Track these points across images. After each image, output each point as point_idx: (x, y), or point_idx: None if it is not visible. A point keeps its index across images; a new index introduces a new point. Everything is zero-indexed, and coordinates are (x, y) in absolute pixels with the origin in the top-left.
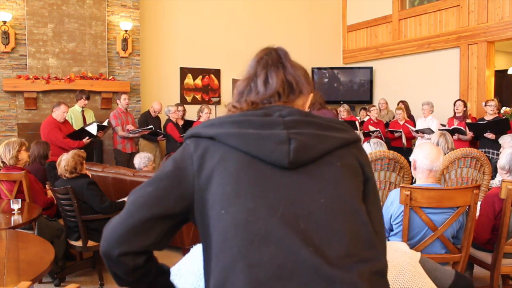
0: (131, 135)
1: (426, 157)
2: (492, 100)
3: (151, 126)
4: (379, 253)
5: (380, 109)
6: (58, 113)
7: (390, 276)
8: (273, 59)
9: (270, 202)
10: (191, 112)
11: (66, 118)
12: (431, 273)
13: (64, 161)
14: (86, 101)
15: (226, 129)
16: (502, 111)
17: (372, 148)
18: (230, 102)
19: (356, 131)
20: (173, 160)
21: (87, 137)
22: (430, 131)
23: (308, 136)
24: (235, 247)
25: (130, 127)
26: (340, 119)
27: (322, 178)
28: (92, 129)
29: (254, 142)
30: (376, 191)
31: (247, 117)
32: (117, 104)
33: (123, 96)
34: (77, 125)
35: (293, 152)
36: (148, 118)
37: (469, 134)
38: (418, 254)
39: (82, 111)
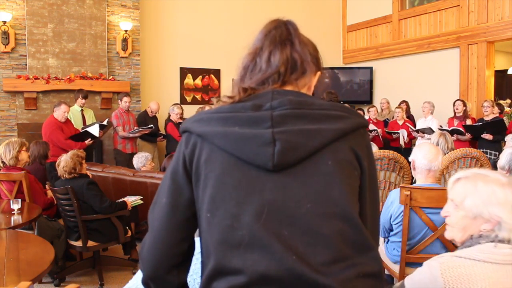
0: (131, 135)
1: (424, 157)
2: (486, 101)
3: (152, 125)
4: (374, 255)
5: (381, 109)
6: (59, 113)
7: None
8: (281, 35)
9: (254, 208)
10: (191, 112)
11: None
12: None
13: (63, 162)
14: (83, 101)
15: (212, 127)
16: (502, 111)
17: None
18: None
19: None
20: (172, 162)
21: (89, 139)
22: (430, 131)
23: (296, 134)
24: (220, 252)
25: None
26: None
27: (310, 181)
28: (94, 130)
29: (238, 143)
30: (374, 184)
31: (235, 112)
32: (119, 104)
33: (125, 99)
34: (76, 125)
35: (277, 155)
36: (146, 118)
37: (467, 135)
38: None
39: (82, 110)
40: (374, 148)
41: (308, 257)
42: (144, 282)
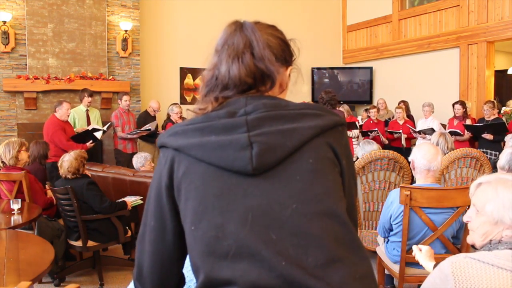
0: (129, 136)
1: (423, 157)
2: (486, 103)
3: (149, 128)
4: (365, 255)
5: (379, 109)
6: (62, 112)
7: None
8: (238, 45)
9: (238, 215)
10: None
11: (70, 118)
12: None
13: (67, 163)
14: (90, 99)
15: (188, 139)
16: (501, 111)
17: (362, 148)
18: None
19: (355, 129)
20: (154, 181)
21: (91, 141)
22: (431, 132)
23: (272, 135)
24: (208, 265)
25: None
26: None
27: (293, 180)
28: (98, 133)
29: (215, 151)
30: (352, 182)
31: (210, 121)
32: (119, 104)
33: (125, 98)
34: (80, 125)
35: (255, 158)
36: (147, 118)
37: (467, 134)
38: None
39: (87, 110)
40: (374, 146)
41: (300, 260)
42: None
